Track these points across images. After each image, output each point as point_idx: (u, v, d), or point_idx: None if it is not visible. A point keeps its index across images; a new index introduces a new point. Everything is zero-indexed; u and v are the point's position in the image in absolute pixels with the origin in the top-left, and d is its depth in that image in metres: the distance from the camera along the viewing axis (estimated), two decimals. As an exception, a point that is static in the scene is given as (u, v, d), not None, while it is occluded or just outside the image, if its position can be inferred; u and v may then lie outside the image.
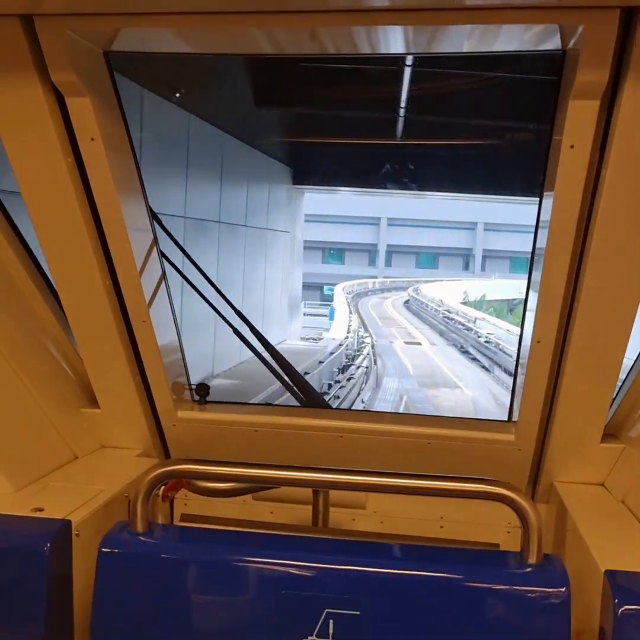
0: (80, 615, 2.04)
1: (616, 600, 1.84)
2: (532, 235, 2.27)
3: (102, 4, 1.86)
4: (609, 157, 1.95)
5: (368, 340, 23.95)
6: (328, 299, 41.21)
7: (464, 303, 39.30)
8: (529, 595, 1.88)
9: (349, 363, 19.66)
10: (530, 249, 2.32)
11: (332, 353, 18.80)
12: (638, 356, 2.58)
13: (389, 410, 15.07)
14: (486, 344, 23.29)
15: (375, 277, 47.67)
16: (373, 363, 20.40)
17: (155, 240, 2.60)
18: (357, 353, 21.41)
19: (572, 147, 1.98)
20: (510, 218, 45.19)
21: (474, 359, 22.83)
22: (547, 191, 2.19)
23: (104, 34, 2.00)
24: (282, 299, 20.18)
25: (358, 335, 24.06)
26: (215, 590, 1.97)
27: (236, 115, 13.01)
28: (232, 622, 1.98)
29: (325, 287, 44.50)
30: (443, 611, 1.90)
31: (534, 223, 2.26)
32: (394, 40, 2.01)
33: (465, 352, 24.32)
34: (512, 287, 40.90)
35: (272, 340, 3.28)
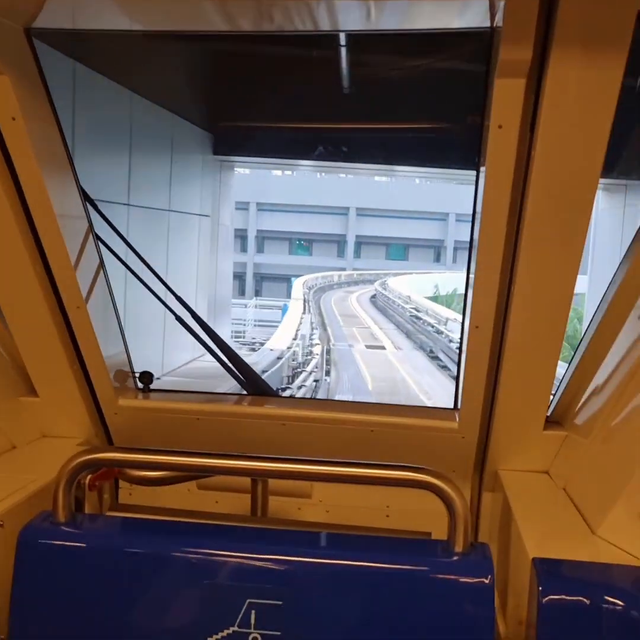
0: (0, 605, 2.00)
1: (540, 588, 1.85)
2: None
3: None
4: (537, 137, 1.96)
5: (319, 348, 20.47)
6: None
7: (435, 297, 37.96)
8: (453, 583, 1.90)
9: (287, 385, 15.93)
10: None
11: (264, 371, 14.76)
12: (579, 343, 2.60)
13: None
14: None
15: (344, 269, 46.88)
16: (324, 376, 17.48)
17: (90, 224, 2.59)
18: (300, 369, 17.80)
19: (500, 127, 1.98)
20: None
21: (445, 367, 20.19)
22: (480, 176, 2.19)
23: (24, 10, 1.99)
24: (198, 301, 15.35)
25: (308, 342, 20.70)
26: (135, 581, 1.97)
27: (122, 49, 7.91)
28: (152, 614, 1.96)
29: (294, 279, 43.92)
30: (366, 600, 1.91)
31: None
32: (330, 16, 2.03)
33: (434, 358, 21.71)
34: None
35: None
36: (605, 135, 1.93)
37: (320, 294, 37.21)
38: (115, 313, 2.80)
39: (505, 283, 2.28)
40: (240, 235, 44.94)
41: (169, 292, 2.89)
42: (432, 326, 25.58)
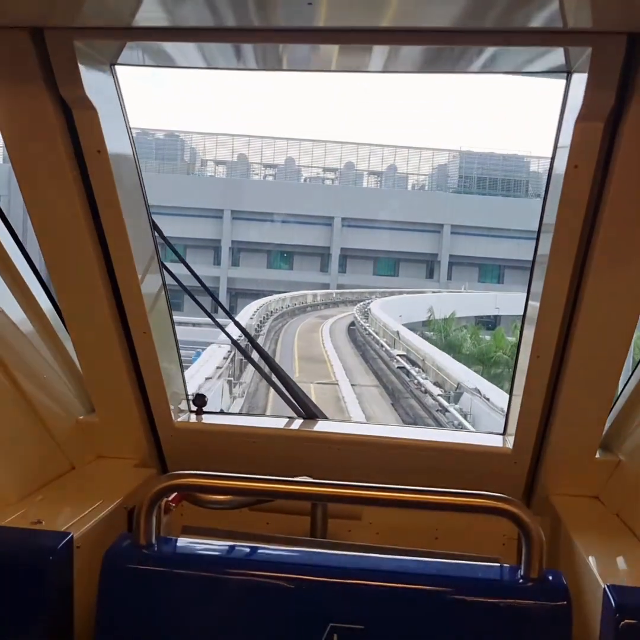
0: (81, 628, 2.22)
1: (617, 615, 2.04)
2: (534, 242, 2.59)
3: (108, 18, 2.13)
4: (612, 178, 2.24)
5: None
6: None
7: (428, 322, 36.35)
8: (531, 609, 2.09)
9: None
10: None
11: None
12: (633, 370, 2.82)
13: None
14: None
15: (327, 285, 46.81)
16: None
17: (157, 251, 2.89)
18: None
19: (576, 167, 2.27)
20: (482, 220, 45.06)
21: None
22: (549, 207, 2.49)
23: (111, 46, 2.28)
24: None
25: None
26: (219, 603, 2.16)
27: None
28: (235, 636, 2.18)
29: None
30: (445, 625, 2.10)
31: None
32: (412, 59, 2.34)
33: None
34: (486, 299, 39.51)
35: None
36: None
37: (284, 322, 32.81)
38: (175, 338, 3.13)
39: (568, 315, 2.57)
40: (213, 247, 44.93)
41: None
42: (434, 398, 19.20)
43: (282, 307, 34.89)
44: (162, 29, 2.17)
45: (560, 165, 2.40)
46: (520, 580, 2.12)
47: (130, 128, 2.58)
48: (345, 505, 2.91)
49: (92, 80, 2.26)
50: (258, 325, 25.78)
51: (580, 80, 2.18)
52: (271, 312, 32.00)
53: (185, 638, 2.19)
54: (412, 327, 32.98)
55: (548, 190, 2.56)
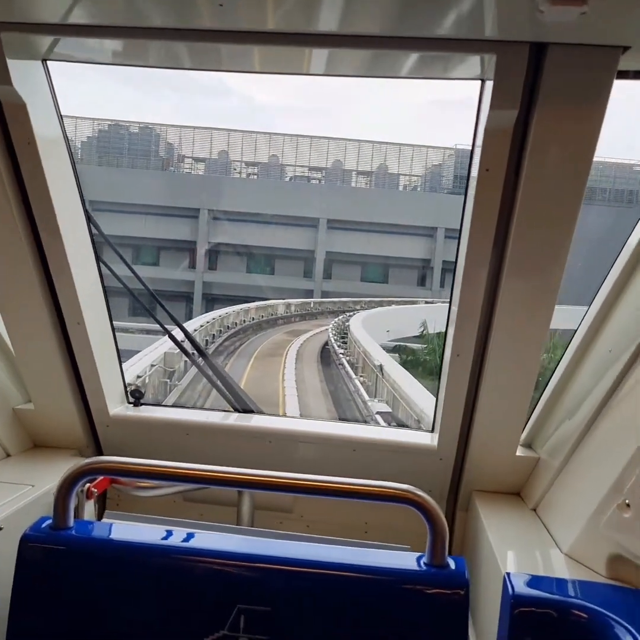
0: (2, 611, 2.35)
1: (512, 601, 2.34)
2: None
3: (38, 14, 2.26)
4: (521, 183, 2.55)
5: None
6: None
7: (422, 335, 32.85)
8: (430, 595, 2.33)
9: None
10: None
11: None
12: (553, 370, 3.16)
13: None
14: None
15: (311, 290, 46.93)
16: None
17: (93, 244, 3.16)
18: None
19: (487, 170, 2.59)
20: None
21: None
22: (466, 213, 2.77)
23: (42, 41, 2.47)
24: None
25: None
26: (132, 585, 2.38)
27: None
28: (147, 617, 2.39)
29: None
30: (348, 608, 2.35)
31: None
32: (331, 62, 2.58)
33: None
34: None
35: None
36: (585, 180, 2.55)
37: (241, 341, 28.92)
38: (112, 329, 3.38)
39: (486, 314, 2.88)
40: (189, 248, 45.17)
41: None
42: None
43: (243, 320, 31.13)
44: (94, 27, 2.35)
45: (475, 170, 2.69)
46: (424, 568, 2.39)
47: (62, 121, 2.83)
48: (275, 496, 3.28)
49: (21, 74, 2.49)
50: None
51: (490, 87, 2.47)
52: (227, 327, 28.35)
53: (95, 619, 2.37)
54: (403, 341, 31.17)
55: (466, 195, 2.83)
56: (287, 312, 38.14)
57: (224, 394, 3.62)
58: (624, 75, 2.43)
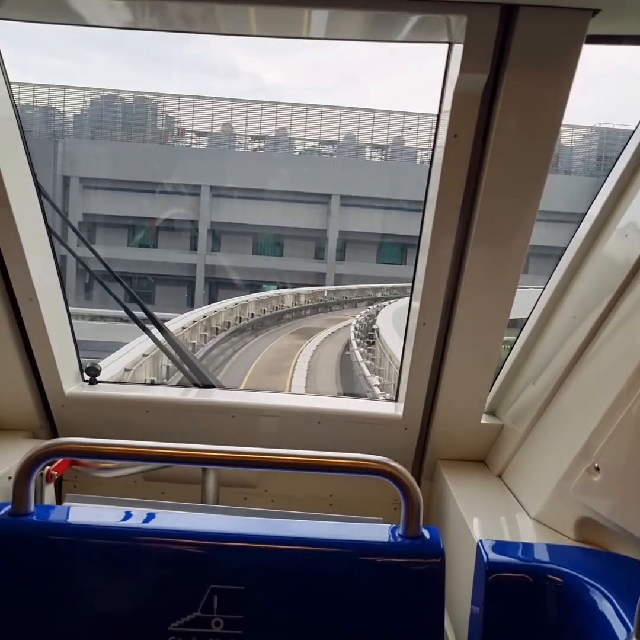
0: None
1: (487, 568, 2.52)
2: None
3: None
4: (490, 149, 2.67)
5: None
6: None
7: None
8: (406, 566, 2.48)
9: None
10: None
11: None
12: (516, 338, 3.41)
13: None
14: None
15: (323, 273, 46.72)
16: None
17: (44, 218, 3.24)
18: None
19: (455, 136, 2.70)
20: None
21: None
22: (432, 181, 2.92)
23: None
24: None
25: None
26: (98, 569, 2.46)
27: None
28: (116, 601, 2.46)
29: (265, 287, 43.60)
30: (324, 583, 2.48)
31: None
32: (291, 21, 2.67)
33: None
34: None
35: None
36: (552, 147, 2.70)
37: (236, 347, 24.92)
38: (66, 307, 3.51)
39: (452, 283, 3.06)
40: (190, 228, 45.21)
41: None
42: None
43: (238, 319, 26.16)
44: None
45: (442, 137, 2.80)
46: (399, 539, 2.54)
47: (11, 90, 2.92)
48: (239, 472, 3.42)
49: None
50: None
51: (459, 51, 2.58)
52: (216, 329, 23.36)
53: (61, 608, 2.43)
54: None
55: (432, 163, 2.97)
56: (295, 304, 33.94)
57: (183, 369, 3.75)
58: (593, 40, 2.57)
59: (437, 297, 3.10)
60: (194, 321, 20.92)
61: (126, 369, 12.65)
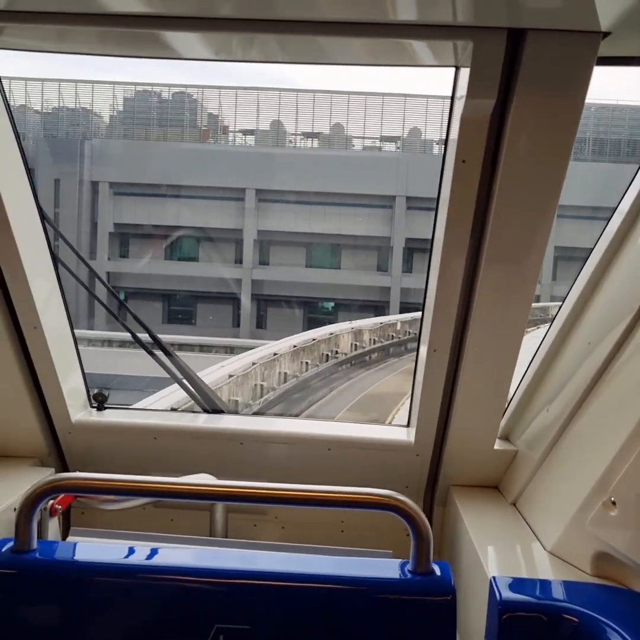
0: None
1: (500, 607, 2.68)
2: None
3: None
4: (499, 175, 2.91)
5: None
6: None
7: None
8: (416, 603, 2.68)
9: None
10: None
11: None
12: (530, 362, 3.66)
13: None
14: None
15: (388, 288, 45.53)
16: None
17: (49, 245, 3.55)
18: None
19: (463, 162, 2.95)
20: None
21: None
22: (442, 205, 3.19)
23: None
24: None
25: None
26: (101, 608, 2.64)
27: None
28: None
29: (322, 305, 42.99)
30: (330, 623, 2.67)
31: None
32: (302, 50, 2.96)
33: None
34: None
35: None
36: (564, 169, 2.87)
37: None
38: (72, 334, 3.84)
39: (462, 308, 3.29)
40: (234, 239, 44.73)
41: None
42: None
43: (260, 388, 19.88)
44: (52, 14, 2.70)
45: (450, 162, 3.02)
46: (408, 575, 2.73)
47: (10, 109, 3.17)
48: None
49: None
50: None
51: (466, 75, 2.80)
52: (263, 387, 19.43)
53: None
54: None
55: (441, 184, 3.22)
56: (356, 345, 28.08)
57: (192, 394, 4.04)
58: (604, 61, 2.73)
59: (448, 322, 3.34)
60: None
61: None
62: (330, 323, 34.51)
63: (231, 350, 29.13)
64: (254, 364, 18.71)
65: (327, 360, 25.86)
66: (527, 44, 2.62)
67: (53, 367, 3.64)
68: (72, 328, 3.88)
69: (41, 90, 41.98)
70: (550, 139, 2.82)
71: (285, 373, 22.19)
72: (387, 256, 47.09)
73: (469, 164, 2.93)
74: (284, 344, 23.44)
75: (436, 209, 3.24)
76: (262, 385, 19.90)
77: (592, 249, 3.17)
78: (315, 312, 43.94)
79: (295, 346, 23.34)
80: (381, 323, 31.31)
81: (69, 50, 3.02)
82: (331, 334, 26.85)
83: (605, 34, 2.57)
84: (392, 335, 31.04)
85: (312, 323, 41.10)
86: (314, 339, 25.03)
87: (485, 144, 2.88)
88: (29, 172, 3.34)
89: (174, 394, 14.51)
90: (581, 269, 3.24)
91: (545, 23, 2.58)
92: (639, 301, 2.84)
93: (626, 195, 3.02)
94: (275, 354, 21.50)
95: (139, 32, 2.79)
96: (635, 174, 2.99)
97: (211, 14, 2.67)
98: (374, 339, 29.99)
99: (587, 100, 2.74)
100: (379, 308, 42.39)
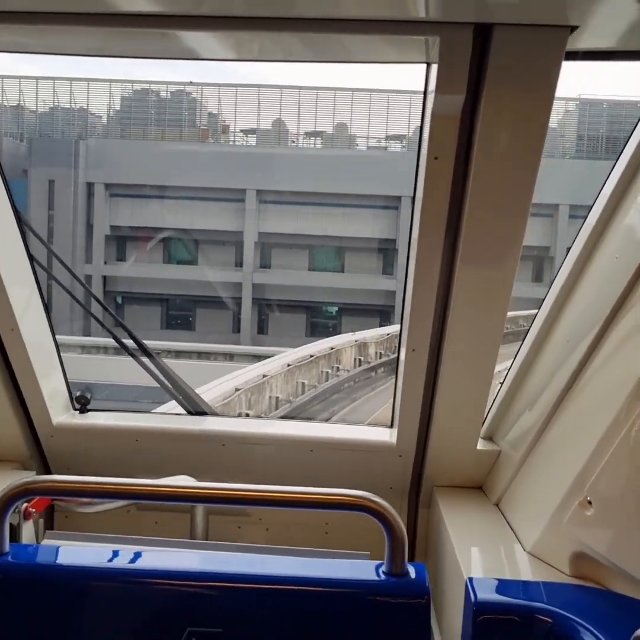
0: None
1: (474, 609, 2.81)
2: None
3: None
4: (471, 171, 3.04)
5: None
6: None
7: None
8: (390, 605, 2.76)
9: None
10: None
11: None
12: (512, 362, 3.78)
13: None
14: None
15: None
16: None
17: (25, 246, 3.59)
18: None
19: (436, 158, 3.08)
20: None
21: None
22: (417, 204, 3.31)
23: None
24: None
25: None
26: (72, 610, 2.72)
27: None
28: None
29: (325, 309, 42.76)
30: (305, 624, 2.76)
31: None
32: (271, 47, 3.03)
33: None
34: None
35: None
36: (537, 165, 2.96)
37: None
38: (53, 336, 3.93)
39: (440, 308, 3.35)
40: (234, 242, 44.51)
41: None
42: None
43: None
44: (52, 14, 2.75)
45: (423, 159, 3.11)
46: (383, 577, 2.80)
47: None
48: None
49: None
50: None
51: (435, 71, 2.86)
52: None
53: None
54: None
55: (416, 186, 3.29)
56: (361, 359, 25.97)
57: (175, 396, 4.07)
58: (573, 56, 2.78)
59: (426, 321, 3.38)
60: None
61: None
62: (333, 328, 34.38)
63: (231, 357, 29.16)
64: (237, 390, 16.79)
65: (327, 380, 23.69)
66: (494, 39, 2.68)
67: (32, 370, 3.72)
68: (52, 331, 3.96)
69: (36, 88, 42.04)
70: (522, 135, 2.91)
71: (278, 397, 20.29)
72: (392, 259, 46.57)
73: (441, 160, 3.01)
74: (278, 361, 21.77)
75: (411, 206, 3.35)
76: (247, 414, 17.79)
77: (568, 250, 3.25)
78: (318, 317, 43.77)
79: (289, 365, 21.35)
80: (388, 334, 28.14)
81: (75, 51, 3.07)
82: (332, 348, 24.42)
83: (573, 28, 2.62)
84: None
85: (315, 328, 41.04)
86: (311, 356, 22.93)
87: (457, 141, 2.96)
88: (3, 173, 3.35)
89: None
90: (560, 268, 3.29)
91: (513, 17, 2.64)
92: (613, 301, 2.92)
93: (601, 192, 3.08)
94: (264, 376, 19.51)
95: (153, 32, 2.83)
96: (611, 171, 3.04)
97: (222, 12, 2.74)
98: (380, 353, 27.21)
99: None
100: (384, 313, 42.08)
